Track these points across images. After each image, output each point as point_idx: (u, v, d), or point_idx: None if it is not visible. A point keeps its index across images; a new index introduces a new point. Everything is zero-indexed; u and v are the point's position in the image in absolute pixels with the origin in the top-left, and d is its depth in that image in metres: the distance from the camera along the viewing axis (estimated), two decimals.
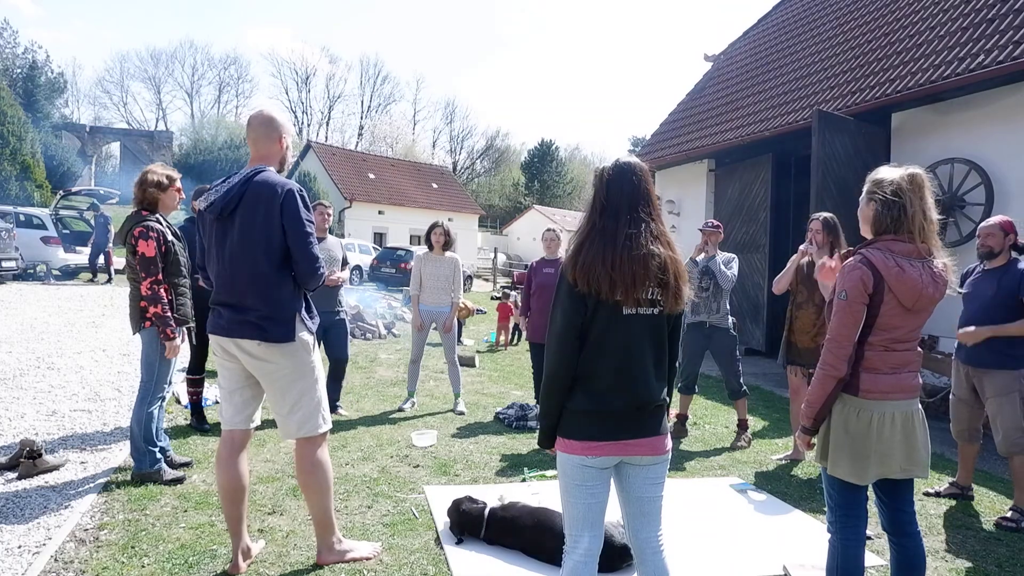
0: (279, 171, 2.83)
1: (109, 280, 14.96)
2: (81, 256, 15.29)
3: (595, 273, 1.89)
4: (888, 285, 2.19)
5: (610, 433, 1.96)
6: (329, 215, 5.56)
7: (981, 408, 3.99)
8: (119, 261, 17.22)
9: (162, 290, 3.66)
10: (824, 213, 4.61)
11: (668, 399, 2.09)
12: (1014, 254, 3.87)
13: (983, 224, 3.96)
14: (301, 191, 2.68)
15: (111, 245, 15.08)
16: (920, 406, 2.34)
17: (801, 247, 4.58)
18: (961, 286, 4.05)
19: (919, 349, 2.35)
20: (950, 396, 4.18)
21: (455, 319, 5.97)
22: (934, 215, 2.26)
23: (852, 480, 2.29)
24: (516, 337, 10.96)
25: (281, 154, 2.82)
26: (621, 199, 1.97)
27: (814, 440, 2.41)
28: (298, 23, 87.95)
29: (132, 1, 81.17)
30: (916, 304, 2.22)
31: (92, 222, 15.70)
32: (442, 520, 3.35)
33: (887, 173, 2.30)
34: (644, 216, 1.97)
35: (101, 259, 15.20)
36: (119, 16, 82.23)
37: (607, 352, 1.95)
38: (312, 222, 2.70)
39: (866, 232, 2.37)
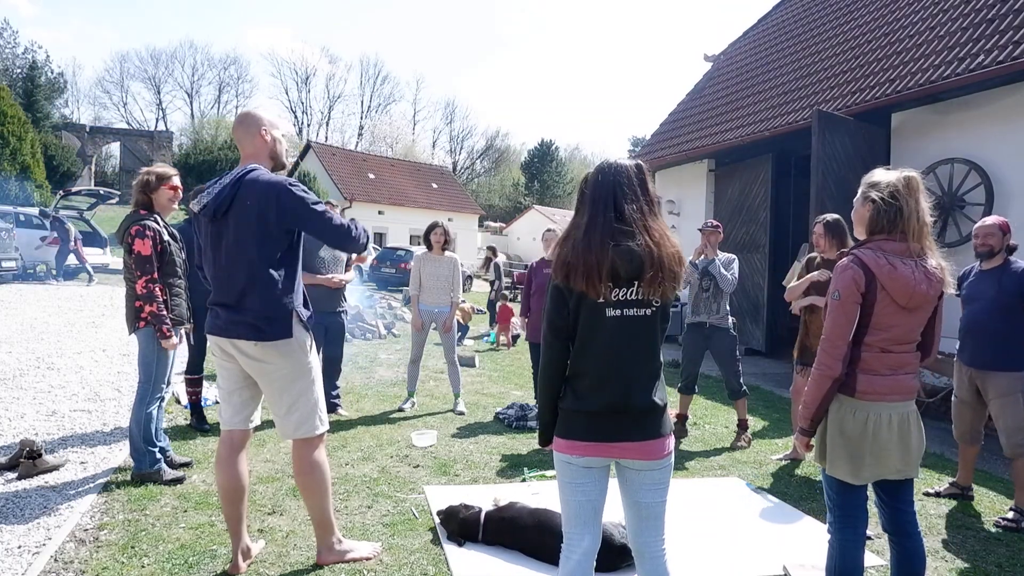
0: (275, 166, 2.81)
1: (90, 279, 14.71)
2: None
3: (569, 266, 1.91)
4: (880, 283, 2.20)
5: (594, 434, 1.95)
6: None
7: (983, 409, 3.99)
8: (109, 261, 17.18)
9: (157, 289, 3.65)
10: (828, 216, 4.59)
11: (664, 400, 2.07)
12: (1006, 255, 3.89)
13: (980, 225, 3.97)
14: (291, 182, 2.67)
15: (73, 244, 14.89)
16: (916, 407, 2.35)
17: (816, 276, 4.44)
18: (959, 288, 4.06)
19: (916, 352, 2.35)
20: (952, 398, 4.18)
21: (454, 319, 5.98)
22: (928, 217, 2.27)
23: (849, 480, 2.29)
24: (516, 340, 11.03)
25: (268, 148, 2.78)
26: (603, 195, 1.98)
27: (812, 441, 2.42)
28: (298, 23, 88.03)
29: (131, 1, 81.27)
30: (910, 302, 2.22)
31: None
32: (440, 527, 3.34)
33: (883, 176, 2.31)
34: (627, 210, 1.95)
35: (72, 259, 14.99)
36: (117, 16, 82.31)
37: (590, 352, 1.95)
38: (318, 200, 2.70)
39: (860, 233, 2.38)
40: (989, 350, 3.83)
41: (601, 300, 1.91)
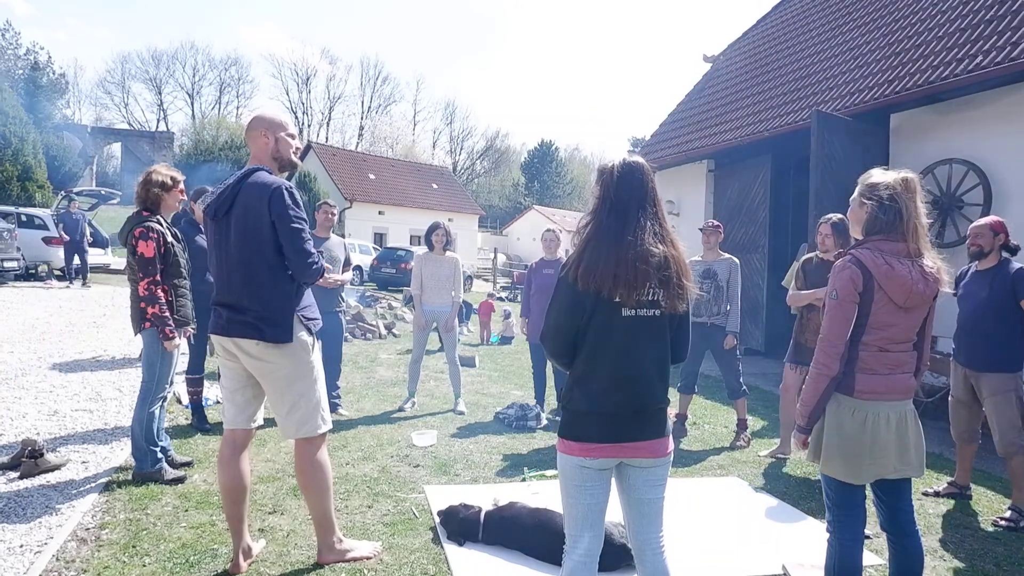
0: (280, 168, 2.82)
1: (76, 280, 13.85)
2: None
3: (598, 271, 1.87)
4: (878, 282, 2.22)
5: (608, 435, 1.95)
6: (334, 214, 5.60)
7: (980, 409, 4.00)
8: (110, 261, 17.07)
9: (159, 291, 3.67)
10: (834, 216, 4.59)
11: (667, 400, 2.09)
12: (1005, 255, 3.88)
13: (974, 224, 3.98)
14: (290, 188, 2.67)
15: (87, 242, 14.20)
16: (913, 406, 2.36)
17: (822, 293, 4.44)
18: (956, 287, 4.06)
19: (913, 351, 2.36)
20: (949, 397, 4.19)
21: (456, 319, 5.99)
22: (924, 219, 2.28)
23: (846, 479, 2.30)
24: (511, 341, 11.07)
25: (269, 150, 2.77)
26: (630, 198, 1.96)
27: (810, 439, 2.43)
28: (298, 23, 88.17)
29: (129, 1, 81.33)
30: (908, 301, 2.24)
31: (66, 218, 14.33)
32: (440, 526, 3.35)
33: (880, 177, 2.32)
34: (649, 215, 1.96)
35: (76, 260, 14.19)
36: (114, 15, 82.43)
37: (605, 353, 1.94)
38: (303, 218, 2.69)
39: (856, 233, 2.39)
40: (982, 350, 3.84)
41: (618, 300, 1.89)
